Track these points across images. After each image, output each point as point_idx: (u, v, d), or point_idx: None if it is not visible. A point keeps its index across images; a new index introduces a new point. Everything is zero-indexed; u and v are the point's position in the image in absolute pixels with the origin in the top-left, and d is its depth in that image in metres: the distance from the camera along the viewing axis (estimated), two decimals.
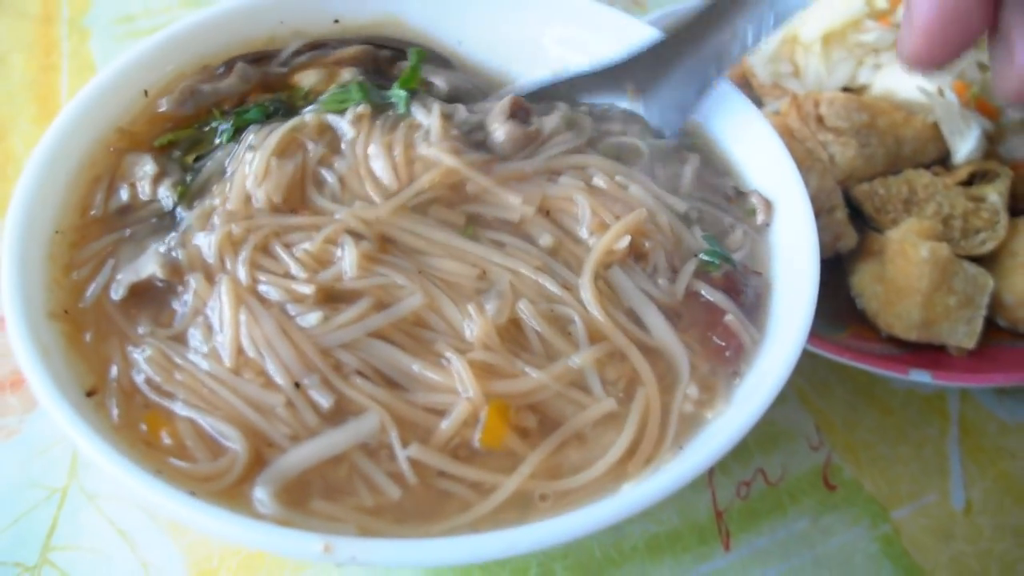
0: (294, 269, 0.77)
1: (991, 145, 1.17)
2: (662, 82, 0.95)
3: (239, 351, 0.73)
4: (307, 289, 0.75)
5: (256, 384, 0.72)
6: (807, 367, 1.10)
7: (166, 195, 0.86)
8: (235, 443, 0.69)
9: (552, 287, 0.79)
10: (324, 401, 0.71)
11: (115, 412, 0.72)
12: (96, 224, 0.85)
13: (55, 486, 0.95)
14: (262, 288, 0.76)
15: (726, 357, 0.78)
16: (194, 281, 0.77)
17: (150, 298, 0.80)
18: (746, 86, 1.28)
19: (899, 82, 1.17)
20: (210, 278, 0.78)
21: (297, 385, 0.72)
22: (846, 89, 1.21)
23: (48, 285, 0.78)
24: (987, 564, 0.96)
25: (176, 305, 0.78)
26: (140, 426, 0.71)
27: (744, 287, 0.83)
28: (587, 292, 0.78)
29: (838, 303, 1.11)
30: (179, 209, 0.85)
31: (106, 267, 0.82)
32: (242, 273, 0.77)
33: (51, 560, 0.90)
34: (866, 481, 1.01)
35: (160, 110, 0.93)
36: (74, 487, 0.95)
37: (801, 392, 1.08)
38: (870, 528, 0.98)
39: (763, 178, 0.91)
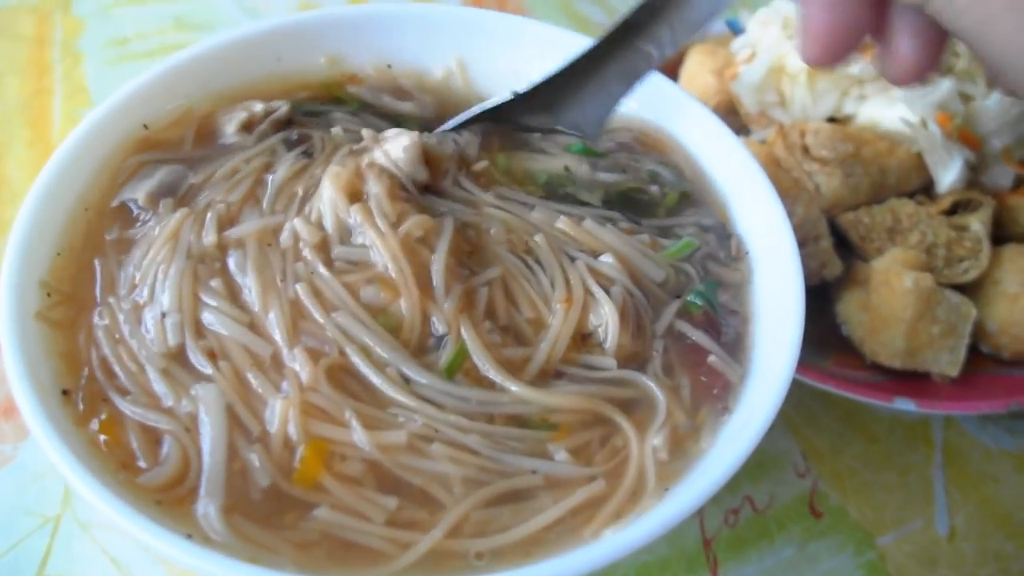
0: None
1: (974, 175, 1.20)
2: (584, 94, 0.97)
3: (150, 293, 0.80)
4: (211, 238, 0.82)
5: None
6: (793, 395, 1.08)
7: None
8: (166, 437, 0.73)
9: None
10: (172, 338, 0.76)
11: (78, 410, 0.74)
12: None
13: (48, 514, 0.96)
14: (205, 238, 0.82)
15: (714, 394, 0.79)
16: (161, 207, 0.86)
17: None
18: (732, 114, 1.30)
19: (883, 113, 1.19)
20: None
21: (163, 315, 0.76)
22: (831, 119, 1.23)
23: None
24: None
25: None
26: (93, 427, 0.73)
27: (725, 327, 0.85)
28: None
29: (823, 331, 1.13)
30: None
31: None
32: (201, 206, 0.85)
33: None
34: (851, 508, 1.03)
35: None
36: (67, 516, 0.95)
37: (788, 419, 1.10)
38: (855, 555, 0.99)
39: (748, 214, 0.92)
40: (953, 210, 1.18)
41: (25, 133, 1.37)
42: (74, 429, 0.72)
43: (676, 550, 0.97)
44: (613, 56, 0.93)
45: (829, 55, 0.74)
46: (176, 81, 0.95)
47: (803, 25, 0.74)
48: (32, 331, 0.76)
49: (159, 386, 0.74)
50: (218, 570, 0.60)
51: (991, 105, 1.20)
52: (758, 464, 1.05)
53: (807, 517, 1.02)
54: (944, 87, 1.18)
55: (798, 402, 1.11)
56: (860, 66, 1.20)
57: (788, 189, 1.11)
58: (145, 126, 0.92)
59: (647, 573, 0.95)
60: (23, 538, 0.94)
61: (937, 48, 0.73)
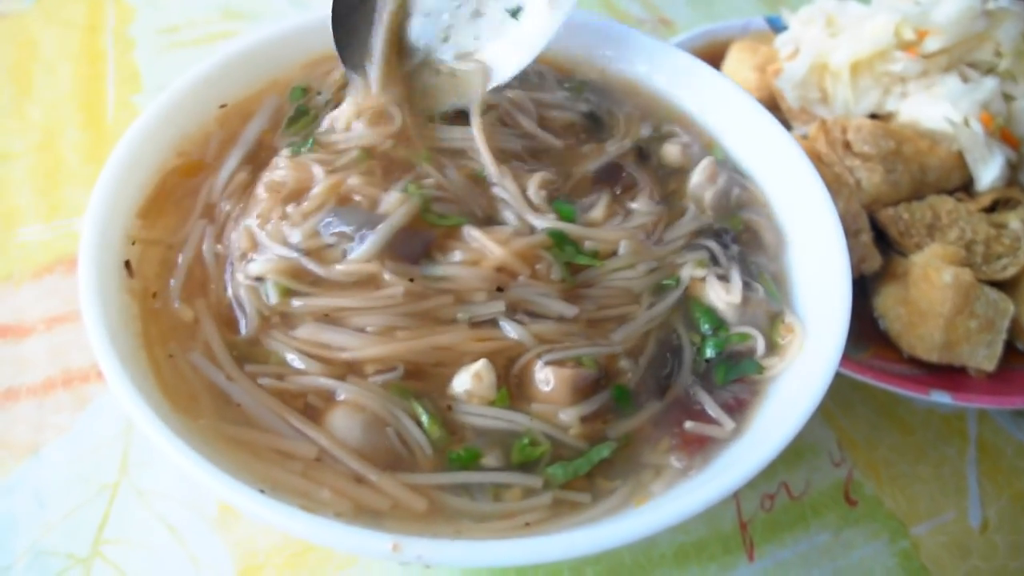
0: None
1: (1013, 173, 1.21)
2: None
3: None
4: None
5: None
6: (831, 385, 1.12)
7: None
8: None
9: None
10: None
11: None
12: None
13: (106, 482, 0.99)
14: None
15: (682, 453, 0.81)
16: None
17: None
18: (775, 109, 1.31)
19: (925, 110, 1.20)
20: None
21: None
22: (873, 116, 1.25)
23: None
24: None
25: None
26: None
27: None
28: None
29: (862, 324, 1.14)
30: None
31: None
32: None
33: (103, 552, 0.94)
34: (886, 498, 1.05)
35: None
36: (125, 483, 0.99)
37: (825, 409, 1.11)
38: (889, 543, 1.01)
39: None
40: (992, 208, 1.19)
41: (79, 117, 1.41)
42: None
43: (713, 532, 0.99)
44: None
45: None
46: (233, 69, 0.99)
47: None
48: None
49: None
50: (280, 519, 0.62)
51: None
52: (795, 452, 1.07)
53: (842, 505, 1.04)
54: (988, 86, 1.19)
55: (835, 393, 1.11)
56: (903, 64, 1.21)
57: (829, 184, 1.12)
58: (222, 105, 0.96)
59: (685, 553, 0.97)
60: (82, 504, 0.97)
61: None
